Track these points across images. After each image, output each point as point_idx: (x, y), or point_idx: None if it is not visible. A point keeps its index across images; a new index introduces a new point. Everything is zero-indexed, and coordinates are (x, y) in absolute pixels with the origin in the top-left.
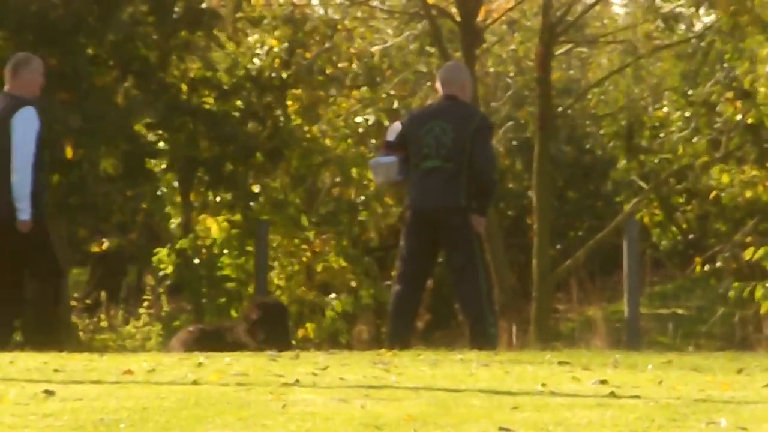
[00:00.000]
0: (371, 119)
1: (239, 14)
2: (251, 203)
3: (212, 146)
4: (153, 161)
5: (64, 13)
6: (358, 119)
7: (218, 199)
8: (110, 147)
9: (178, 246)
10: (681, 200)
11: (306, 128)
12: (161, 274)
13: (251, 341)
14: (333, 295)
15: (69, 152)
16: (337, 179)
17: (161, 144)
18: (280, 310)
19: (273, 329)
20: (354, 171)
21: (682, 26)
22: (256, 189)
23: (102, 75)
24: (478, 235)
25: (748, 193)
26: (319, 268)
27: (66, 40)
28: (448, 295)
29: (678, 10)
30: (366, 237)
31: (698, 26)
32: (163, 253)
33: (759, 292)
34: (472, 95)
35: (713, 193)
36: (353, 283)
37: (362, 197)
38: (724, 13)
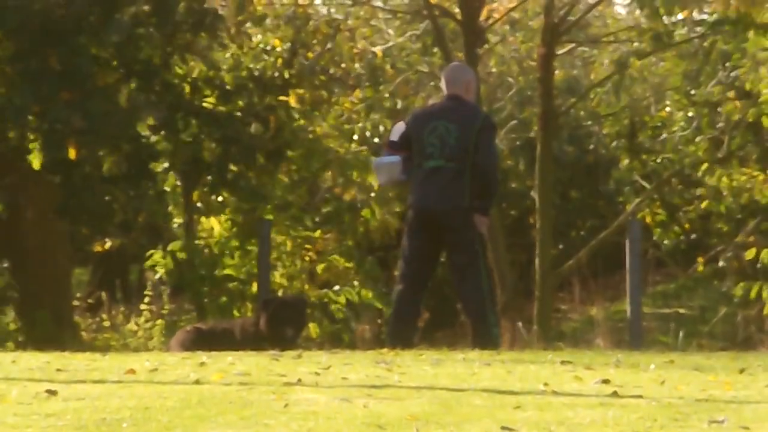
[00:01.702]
0: (377, 123)
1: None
2: (257, 206)
3: (215, 148)
4: (155, 162)
5: (66, 13)
6: (361, 125)
7: (221, 198)
8: (113, 148)
9: (170, 248)
10: (680, 201)
11: (309, 127)
12: (157, 276)
13: (254, 337)
14: (336, 287)
15: (72, 153)
16: (340, 180)
17: (163, 144)
18: (300, 303)
19: (292, 322)
20: (356, 173)
21: (685, 29)
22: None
23: (105, 75)
24: (480, 234)
25: (745, 198)
26: (320, 268)
27: (68, 40)
28: (450, 294)
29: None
30: (370, 237)
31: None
32: (157, 255)
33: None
34: (476, 95)
35: (705, 203)
36: (356, 283)
37: (367, 196)
38: (724, 12)
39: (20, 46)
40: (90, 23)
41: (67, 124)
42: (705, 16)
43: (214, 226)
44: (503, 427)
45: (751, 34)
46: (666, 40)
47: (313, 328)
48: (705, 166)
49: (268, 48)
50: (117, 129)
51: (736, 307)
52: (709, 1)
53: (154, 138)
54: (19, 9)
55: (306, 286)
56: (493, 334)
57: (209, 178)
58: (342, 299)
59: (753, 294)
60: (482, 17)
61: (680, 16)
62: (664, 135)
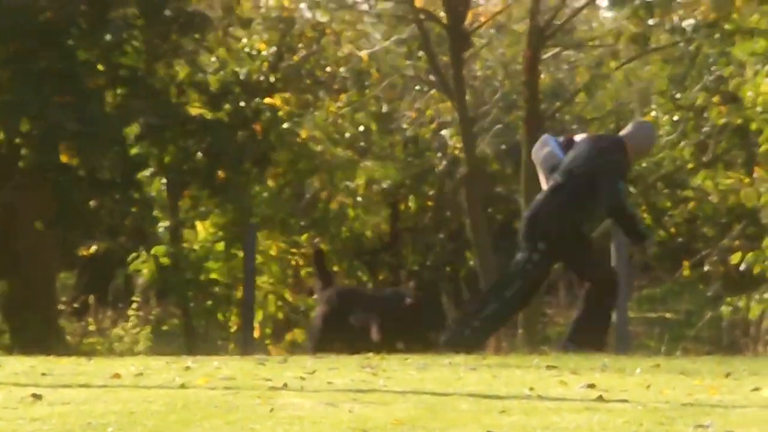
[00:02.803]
0: (361, 126)
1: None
2: (245, 213)
3: (202, 157)
4: (143, 168)
5: (56, 16)
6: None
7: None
8: (103, 152)
9: (153, 251)
10: (669, 204)
11: (296, 128)
12: (141, 279)
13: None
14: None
15: (64, 156)
16: (327, 185)
17: (150, 150)
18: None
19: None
20: (342, 176)
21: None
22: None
23: (95, 78)
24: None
25: (731, 199)
26: (303, 272)
27: (58, 43)
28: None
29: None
30: (360, 241)
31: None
32: (141, 257)
33: (755, 311)
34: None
35: (691, 204)
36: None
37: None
38: (705, 20)
39: (13, 48)
40: (79, 26)
41: (61, 127)
42: (692, 21)
43: (200, 230)
44: None
45: (737, 38)
46: (642, 42)
47: (299, 333)
48: (690, 166)
49: (254, 52)
50: (109, 133)
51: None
52: (682, 7)
53: (141, 143)
54: (10, 13)
55: (285, 293)
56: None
57: (196, 184)
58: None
59: (743, 304)
60: (468, 21)
61: (656, 21)
62: None
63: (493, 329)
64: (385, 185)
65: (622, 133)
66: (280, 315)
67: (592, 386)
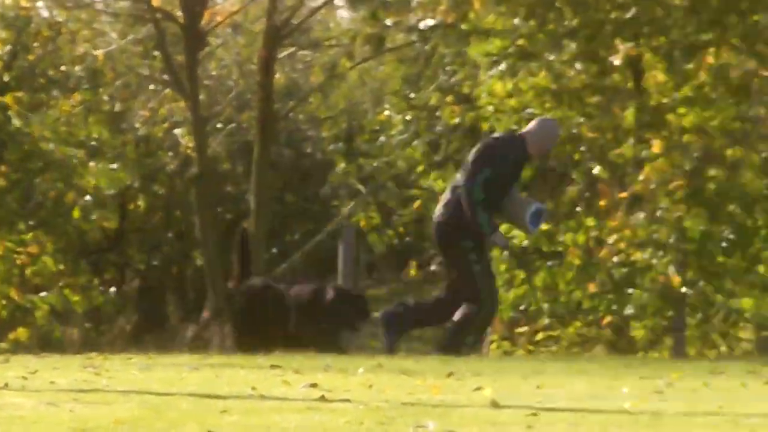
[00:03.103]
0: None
1: None
2: None
3: None
4: None
5: None
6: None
7: None
8: None
9: None
10: (395, 204)
11: (27, 130)
12: None
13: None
14: (43, 294)
15: None
16: (59, 184)
17: None
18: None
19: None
20: (75, 176)
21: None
22: None
23: None
24: None
25: None
26: (29, 271)
27: None
28: (159, 297)
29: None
30: (85, 239)
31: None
32: None
33: None
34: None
35: (417, 203)
36: (62, 285)
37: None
38: (446, 21)
39: None
40: None
41: None
42: (431, 22)
43: None
44: None
45: (473, 39)
46: (376, 43)
47: (21, 332)
48: (421, 168)
49: None
50: None
51: None
52: (417, 8)
53: None
54: None
55: (11, 291)
56: None
57: None
58: (46, 306)
59: None
60: (204, 21)
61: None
62: (382, 138)
63: None
64: (112, 192)
65: (525, 129)
66: (4, 314)
67: (314, 386)
